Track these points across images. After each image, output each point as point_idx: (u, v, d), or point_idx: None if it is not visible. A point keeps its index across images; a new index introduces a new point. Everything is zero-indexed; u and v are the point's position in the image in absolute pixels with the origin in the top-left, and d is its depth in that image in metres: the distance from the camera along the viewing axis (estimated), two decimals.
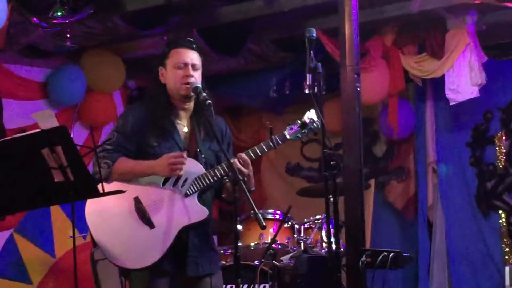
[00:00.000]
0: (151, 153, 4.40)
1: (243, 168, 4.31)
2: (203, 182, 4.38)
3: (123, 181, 4.37)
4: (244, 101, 9.05)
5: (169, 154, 4.31)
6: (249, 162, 4.37)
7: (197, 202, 4.40)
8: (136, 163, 4.38)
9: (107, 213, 4.37)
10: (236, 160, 4.33)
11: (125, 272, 4.52)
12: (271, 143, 4.49)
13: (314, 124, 4.59)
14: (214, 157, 4.56)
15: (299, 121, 4.59)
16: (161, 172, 4.33)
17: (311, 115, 4.58)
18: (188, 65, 4.44)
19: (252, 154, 4.43)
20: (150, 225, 4.32)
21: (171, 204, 4.35)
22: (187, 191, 4.37)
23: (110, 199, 4.25)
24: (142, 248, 4.32)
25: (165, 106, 4.48)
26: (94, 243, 4.37)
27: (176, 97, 4.48)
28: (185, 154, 4.33)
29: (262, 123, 9.23)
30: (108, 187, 4.25)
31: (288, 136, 4.56)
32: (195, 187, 4.37)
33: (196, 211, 4.39)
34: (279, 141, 4.52)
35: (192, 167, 4.39)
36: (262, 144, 4.50)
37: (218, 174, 4.37)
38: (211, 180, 4.38)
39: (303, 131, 4.59)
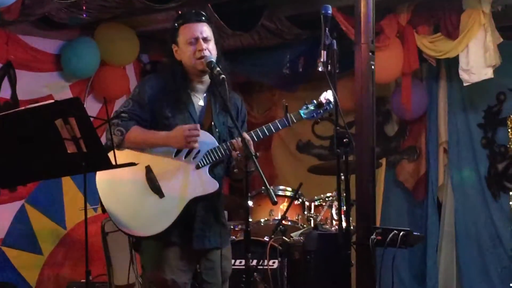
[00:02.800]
0: (165, 124, 4.41)
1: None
2: (216, 155, 4.39)
3: (135, 150, 4.39)
4: (257, 78, 9.02)
5: (184, 126, 4.32)
6: (251, 143, 4.31)
7: (208, 174, 4.41)
8: (149, 133, 4.39)
9: (117, 181, 4.39)
10: (238, 139, 4.30)
11: (136, 245, 4.55)
12: (286, 121, 4.51)
13: (330, 105, 4.58)
14: (228, 132, 4.57)
15: (315, 101, 4.59)
16: (175, 144, 4.34)
17: (327, 95, 4.57)
18: (199, 39, 4.43)
19: (266, 131, 4.46)
20: (160, 194, 4.34)
21: (182, 175, 4.37)
22: (199, 163, 4.38)
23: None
24: (150, 217, 4.34)
25: (182, 79, 4.49)
26: (103, 210, 4.38)
27: (193, 72, 4.48)
28: (198, 126, 4.33)
29: (274, 100, 9.23)
30: (120, 154, 4.30)
31: (303, 116, 4.57)
32: (207, 160, 4.38)
33: (207, 183, 4.40)
34: (294, 120, 4.54)
35: (205, 140, 4.40)
36: (277, 121, 4.52)
37: (230, 148, 4.37)
38: (223, 153, 4.39)
39: (318, 111, 4.59)
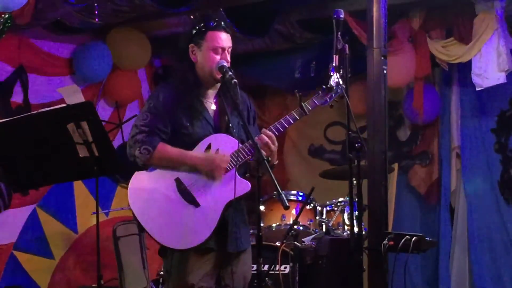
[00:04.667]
0: (184, 133, 4.41)
1: (270, 143, 4.32)
2: (241, 155, 4.38)
3: (163, 168, 4.38)
4: (269, 82, 9.01)
5: (219, 156, 4.33)
6: (274, 138, 4.38)
7: (238, 176, 4.41)
8: (178, 155, 4.37)
9: (151, 197, 4.36)
10: (262, 136, 4.34)
11: (161, 250, 4.48)
12: (302, 111, 4.48)
13: (340, 87, 4.57)
14: (244, 131, 4.55)
15: (324, 87, 4.56)
16: (203, 168, 4.34)
17: (336, 78, 4.55)
18: (225, 50, 4.46)
19: (285, 124, 4.46)
20: (195, 204, 4.33)
21: (212, 181, 4.37)
22: (227, 166, 4.37)
23: (151, 183, 4.34)
24: (189, 228, 4.31)
25: (193, 85, 4.48)
26: (141, 230, 4.35)
27: (207, 78, 4.48)
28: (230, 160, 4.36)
29: (286, 104, 9.21)
30: (149, 175, 4.34)
31: (316, 102, 4.54)
32: (234, 162, 4.38)
33: (239, 185, 4.39)
34: (310, 108, 4.51)
35: (228, 143, 4.41)
36: (293, 112, 4.49)
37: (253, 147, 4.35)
38: (248, 153, 4.38)
39: (331, 95, 4.56)
